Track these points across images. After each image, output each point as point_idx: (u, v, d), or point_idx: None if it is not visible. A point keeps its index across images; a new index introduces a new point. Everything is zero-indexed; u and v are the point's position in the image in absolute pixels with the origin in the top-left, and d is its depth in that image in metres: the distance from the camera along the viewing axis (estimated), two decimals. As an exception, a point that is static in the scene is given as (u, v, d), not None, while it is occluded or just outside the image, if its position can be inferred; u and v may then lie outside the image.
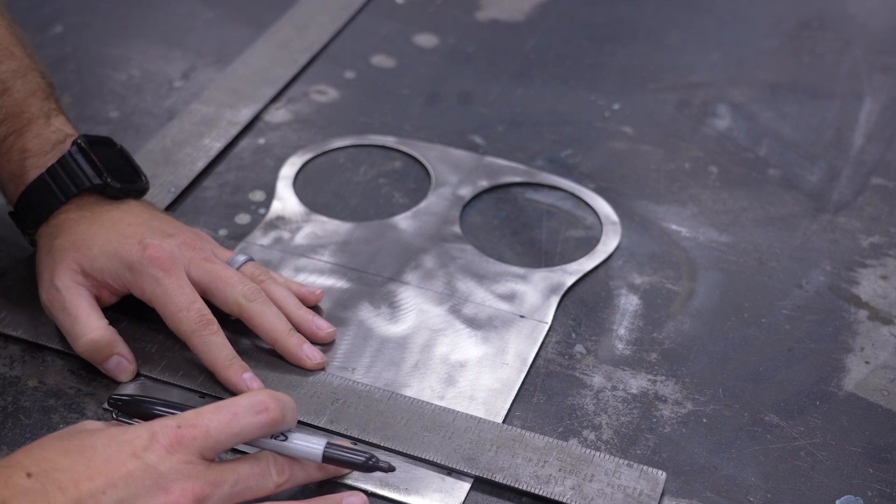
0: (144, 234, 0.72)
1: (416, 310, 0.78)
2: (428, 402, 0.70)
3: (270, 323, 0.72)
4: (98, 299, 0.72)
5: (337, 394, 0.70)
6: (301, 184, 0.89)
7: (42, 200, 0.74)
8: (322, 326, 0.74)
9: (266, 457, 0.61)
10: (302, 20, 1.08)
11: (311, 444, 0.61)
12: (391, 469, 0.62)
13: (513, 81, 1.02)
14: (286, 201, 0.87)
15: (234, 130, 0.93)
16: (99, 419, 0.69)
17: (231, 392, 0.70)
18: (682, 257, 0.83)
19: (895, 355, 0.76)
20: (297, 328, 0.73)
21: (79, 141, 0.75)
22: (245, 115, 0.95)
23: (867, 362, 0.75)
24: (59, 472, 0.55)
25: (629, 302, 0.79)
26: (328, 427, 0.68)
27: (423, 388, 0.72)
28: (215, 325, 0.71)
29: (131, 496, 0.55)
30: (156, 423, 0.57)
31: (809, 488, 0.67)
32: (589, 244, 0.84)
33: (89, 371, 0.72)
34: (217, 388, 0.71)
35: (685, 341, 0.76)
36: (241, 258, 0.76)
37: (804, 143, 0.95)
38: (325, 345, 0.74)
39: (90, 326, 0.70)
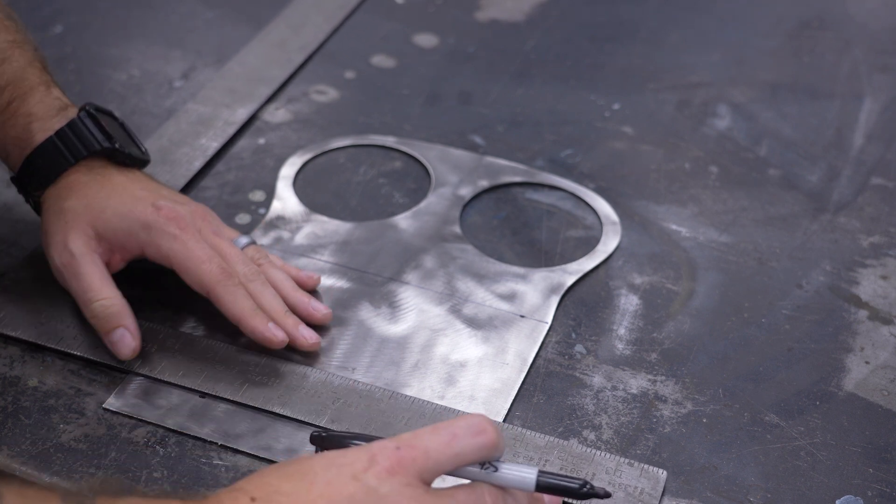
0: (156, 198, 0.74)
1: (416, 310, 0.78)
2: (429, 402, 0.70)
3: (268, 303, 0.73)
4: (108, 265, 0.73)
5: (338, 393, 0.70)
6: (301, 184, 0.89)
7: (50, 162, 0.74)
8: (318, 308, 0.75)
9: (481, 486, 0.57)
10: (297, 20, 1.08)
11: (522, 473, 0.57)
12: (607, 495, 0.58)
13: (513, 81, 1.02)
14: (286, 201, 0.87)
15: (231, 130, 0.93)
16: (99, 420, 0.69)
17: (252, 343, 0.72)
18: (682, 257, 0.83)
19: (895, 355, 0.76)
20: (294, 310, 0.74)
21: (87, 107, 0.76)
22: (241, 114, 0.95)
23: (867, 362, 0.75)
24: (281, 496, 0.53)
25: (629, 302, 0.79)
26: (329, 426, 0.68)
27: (424, 388, 0.72)
28: (236, 278, 0.72)
29: None
30: (375, 445, 0.55)
31: (809, 488, 0.67)
32: (589, 244, 0.84)
33: (89, 371, 0.72)
34: (218, 388, 0.71)
35: (685, 341, 0.76)
36: (244, 240, 0.77)
37: (804, 143, 0.95)
38: (321, 328, 0.75)
39: (103, 293, 0.71)
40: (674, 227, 0.86)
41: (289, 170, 0.90)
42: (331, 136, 0.94)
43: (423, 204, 0.87)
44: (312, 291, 0.78)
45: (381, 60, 1.04)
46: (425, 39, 1.08)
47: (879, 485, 0.67)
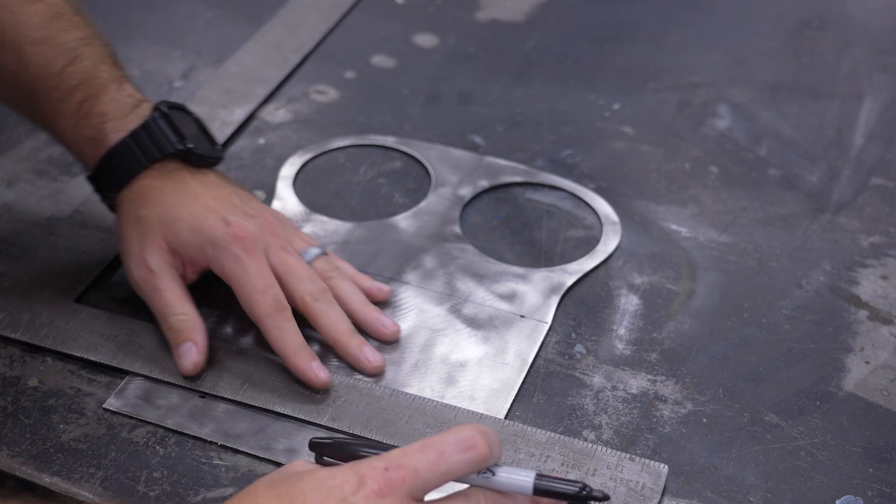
0: (228, 211, 0.73)
1: (416, 309, 0.78)
2: (430, 399, 0.70)
3: (333, 323, 0.72)
4: (183, 277, 0.73)
5: (338, 391, 0.70)
6: (301, 184, 0.89)
7: (124, 164, 0.74)
8: (387, 325, 0.74)
9: (476, 493, 0.57)
10: (293, 20, 1.08)
11: (519, 477, 0.57)
12: (606, 498, 0.58)
13: (513, 81, 1.02)
14: (286, 201, 0.87)
15: (229, 130, 0.93)
16: (99, 420, 0.69)
17: (296, 378, 0.71)
18: (682, 257, 0.83)
19: (895, 355, 0.76)
20: (362, 326, 0.74)
21: (161, 107, 0.76)
22: (239, 114, 0.95)
23: (867, 362, 0.75)
24: None
25: (629, 302, 0.79)
26: (330, 425, 0.68)
27: (424, 388, 0.72)
28: (288, 312, 0.71)
29: None
30: (363, 466, 0.55)
31: (809, 488, 0.67)
32: (589, 244, 0.84)
33: (89, 371, 0.72)
34: (218, 388, 0.71)
35: (685, 341, 0.76)
36: (315, 251, 0.76)
37: (804, 143, 0.95)
38: (391, 343, 0.75)
39: (180, 308, 0.72)
40: (674, 227, 0.86)
41: (289, 170, 0.90)
42: (331, 136, 0.94)
43: (423, 204, 0.87)
44: (384, 303, 0.77)
45: (381, 60, 1.04)
46: (425, 39, 1.08)
47: (879, 485, 0.67)
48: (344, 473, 0.55)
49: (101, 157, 0.75)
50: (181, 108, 0.78)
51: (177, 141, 0.75)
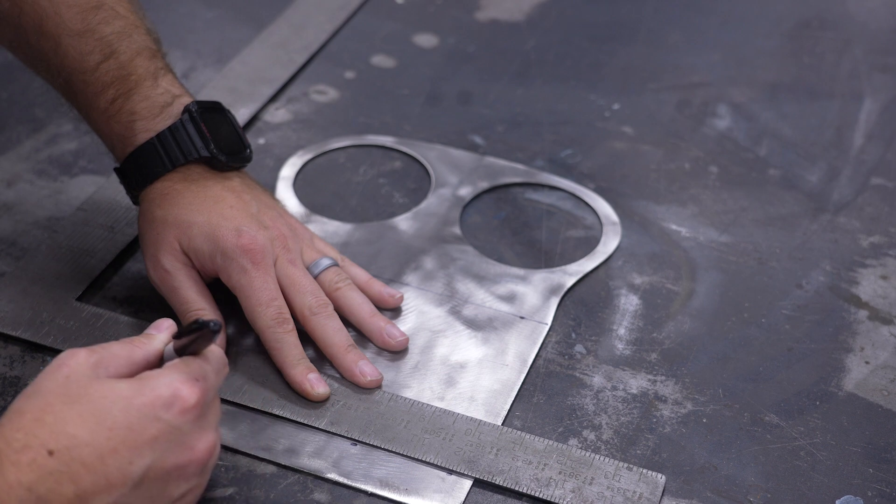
0: (242, 221, 0.73)
1: (416, 311, 0.78)
2: (428, 405, 0.70)
3: (330, 338, 0.72)
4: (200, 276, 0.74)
5: (337, 395, 0.71)
6: (301, 184, 0.89)
7: (148, 165, 0.74)
8: (394, 335, 0.74)
9: (181, 361, 0.61)
10: (299, 20, 1.08)
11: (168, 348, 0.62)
12: (218, 327, 0.59)
13: (513, 81, 1.02)
14: (286, 202, 0.87)
15: (233, 130, 0.93)
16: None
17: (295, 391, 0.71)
18: (682, 257, 0.83)
19: (895, 355, 0.76)
20: (369, 337, 0.74)
21: (191, 108, 0.75)
22: (243, 114, 0.95)
23: (867, 362, 0.75)
24: (80, 447, 0.54)
25: (629, 302, 0.79)
26: (329, 429, 0.68)
27: (423, 389, 0.72)
28: (290, 325, 0.71)
29: (158, 458, 0.56)
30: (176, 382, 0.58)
31: (809, 488, 0.67)
32: (589, 244, 0.84)
33: (89, 371, 0.72)
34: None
35: (685, 341, 0.76)
36: (325, 262, 0.76)
37: (804, 143, 0.95)
38: (399, 352, 0.74)
39: (197, 304, 0.72)
40: (674, 227, 0.86)
41: (289, 170, 0.90)
42: (331, 136, 0.94)
43: (423, 205, 0.87)
44: (396, 310, 0.77)
45: (381, 60, 1.04)
46: (425, 39, 1.08)
47: (879, 485, 0.67)
48: (153, 390, 0.57)
49: (127, 155, 0.75)
50: (215, 108, 0.77)
51: (202, 147, 0.74)
